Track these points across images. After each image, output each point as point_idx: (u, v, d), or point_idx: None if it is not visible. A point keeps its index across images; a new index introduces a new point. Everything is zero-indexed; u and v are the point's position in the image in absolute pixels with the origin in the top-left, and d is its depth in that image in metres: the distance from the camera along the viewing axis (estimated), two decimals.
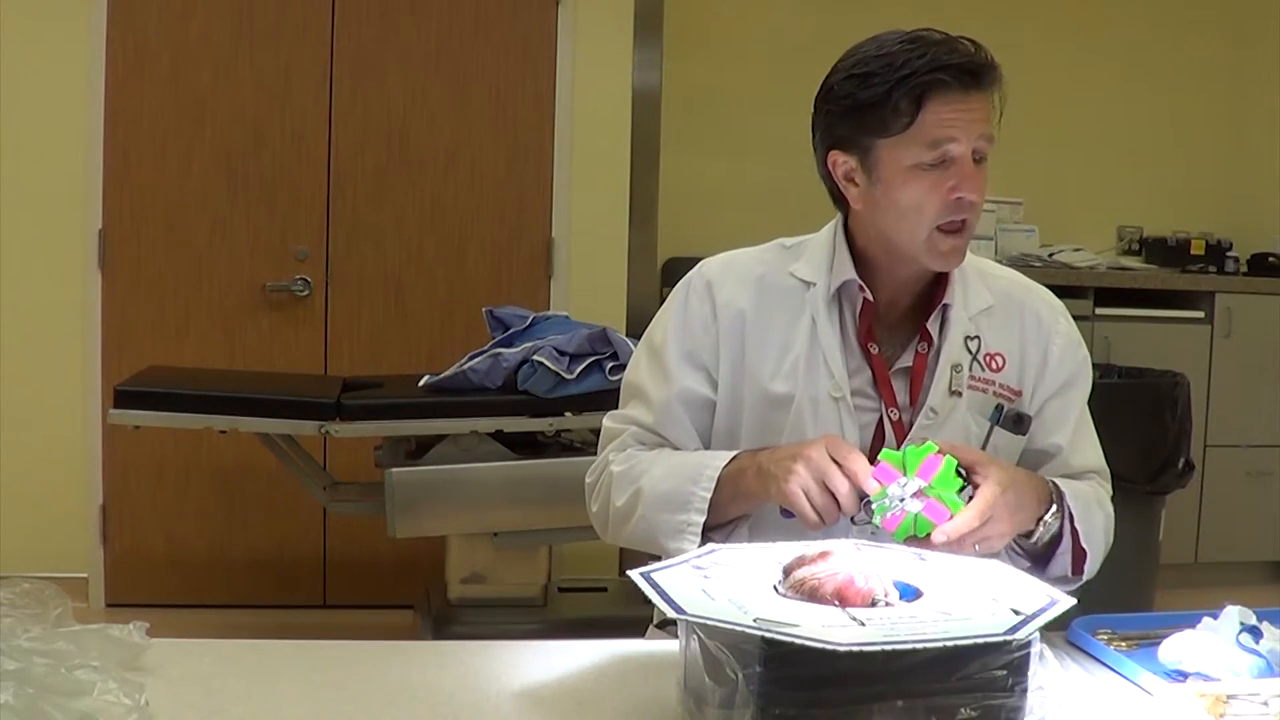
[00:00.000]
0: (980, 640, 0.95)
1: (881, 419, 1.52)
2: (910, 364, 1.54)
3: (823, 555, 1.11)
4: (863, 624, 0.98)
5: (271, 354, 3.92)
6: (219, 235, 3.90)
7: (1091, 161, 4.81)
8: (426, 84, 3.99)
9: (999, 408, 1.51)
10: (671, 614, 1.00)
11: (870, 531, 1.34)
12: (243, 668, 1.22)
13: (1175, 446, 3.58)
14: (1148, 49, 4.84)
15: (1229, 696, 1.13)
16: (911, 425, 1.51)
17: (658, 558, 1.21)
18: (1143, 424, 3.50)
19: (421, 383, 3.16)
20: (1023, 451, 1.57)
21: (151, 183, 3.85)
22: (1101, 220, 4.91)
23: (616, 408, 1.64)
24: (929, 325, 1.53)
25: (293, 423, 3.10)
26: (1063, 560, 1.46)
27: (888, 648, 0.93)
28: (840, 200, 1.55)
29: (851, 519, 1.31)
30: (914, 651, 0.93)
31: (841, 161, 1.50)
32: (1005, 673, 0.97)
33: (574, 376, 3.05)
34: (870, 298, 1.53)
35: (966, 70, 1.41)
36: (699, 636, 1.00)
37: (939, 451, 1.30)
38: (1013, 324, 1.57)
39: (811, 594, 1.04)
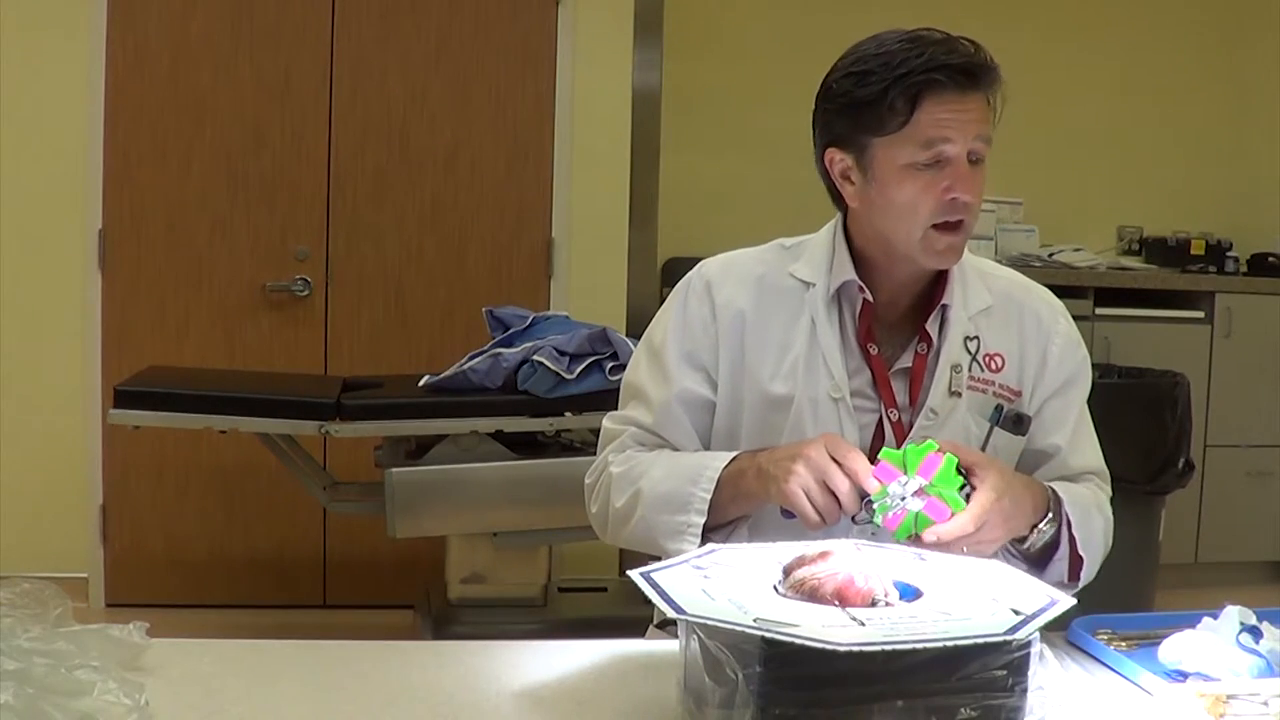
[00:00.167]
0: (980, 640, 0.95)
1: (881, 420, 1.52)
2: (910, 364, 1.53)
3: (823, 555, 1.11)
4: (863, 624, 0.98)
5: (271, 354, 3.92)
6: (219, 235, 3.90)
7: (1091, 161, 4.81)
8: (426, 84, 3.99)
9: (998, 408, 1.50)
10: (671, 614, 1.00)
11: (870, 532, 1.34)
12: (243, 668, 1.22)
13: (1175, 446, 3.58)
14: (1148, 49, 4.84)
15: (1229, 696, 1.13)
16: (911, 426, 1.51)
17: (658, 558, 1.21)
18: (1143, 424, 3.49)
19: (421, 383, 3.16)
20: (1022, 452, 1.57)
21: (151, 183, 3.85)
22: (1101, 220, 4.91)
23: (616, 408, 1.64)
24: (928, 326, 1.53)
25: (293, 423, 3.10)
26: (1059, 566, 1.46)
27: (888, 648, 0.93)
28: (838, 199, 1.55)
29: (852, 518, 1.31)
30: (914, 651, 0.93)
31: (838, 159, 1.51)
32: (1005, 673, 0.97)
33: (574, 376, 3.05)
34: (870, 298, 1.53)
35: (963, 71, 1.41)
36: (699, 636, 1.00)
37: (939, 450, 1.30)
38: (1012, 324, 1.57)
39: (811, 594, 1.04)
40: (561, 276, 4.06)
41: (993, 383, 1.54)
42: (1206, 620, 1.28)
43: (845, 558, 1.11)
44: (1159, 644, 1.26)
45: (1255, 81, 4.86)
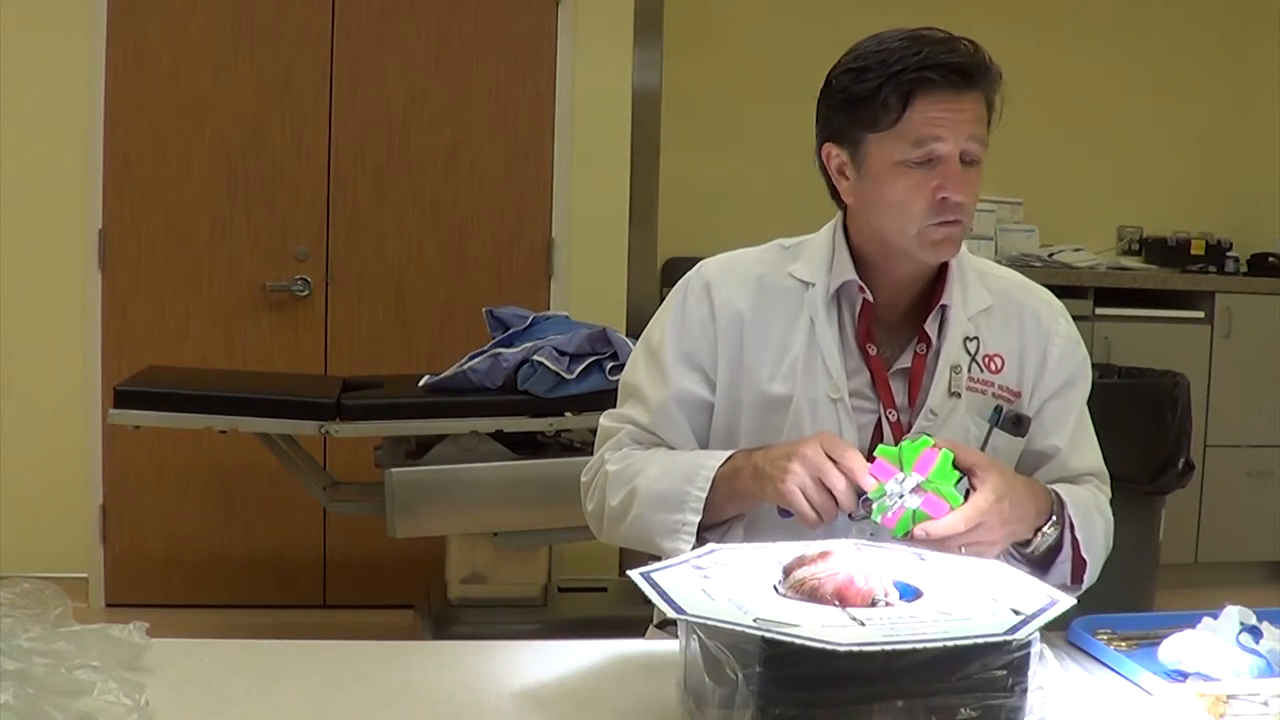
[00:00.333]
0: (980, 640, 0.95)
1: (880, 420, 1.52)
2: (909, 365, 1.53)
3: (823, 555, 1.11)
4: (863, 624, 0.98)
5: (271, 354, 3.92)
6: (219, 235, 3.90)
7: (1091, 161, 4.81)
8: (426, 84, 3.99)
9: (998, 409, 1.50)
10: (671, 614, 1.00)
11: (869, 531, 1.34)
12: (243, 668, 1.22)
13: (1175, 446, 3.58)
14: (1148, 49, 4.84)
15: (1229, 696, 1.13)
16: (910, 427, 1.51)
17: (656, 557, 1.21)
18: (1143, 424, 3.49)
19: (421, 383, 3.16)
20: (1021, 453, 1.57)
21: (151, 183, 3.85)
22: (1101, 220, 4.91)
23: (615, 408, 1.64)
24: (927, 326, 1.53)
25: (293, 423, 3.10)
26: (1062, 569, 1.45)
27: (888, 648, 0.93)
28: (837, 195, 1.55)
29: (849, 515, 1.31)
30: (914, 651, 0.93)
31: (835, 154, 1.51)
32: (1005, 673, 0.97)
33: (574, 376, 3.05)
34: (870, 298, 1.52)
35: (957, 70, 1.41)
36: (699, 636, 1.00)
37: (935, 445, 1.29)
38: (1012, 325, 1.57)
39: (811, 594, 1.04)
40: (561, 276, 4.06)
41: (992, 384, 1.53)
42: (1206, 620, 1.28)
43: (845, 558, 1.11)
44: (1159, 644, 1.26)
45: (1255, 81, 4.86)
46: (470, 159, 4.02)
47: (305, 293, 3.93)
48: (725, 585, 1.07)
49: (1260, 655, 1.20)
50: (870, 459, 1.31)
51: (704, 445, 1.57)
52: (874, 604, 1.03)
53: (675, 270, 3.35)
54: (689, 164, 4.35)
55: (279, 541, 3.93)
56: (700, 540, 1.45)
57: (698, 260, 1.64)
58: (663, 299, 1.66)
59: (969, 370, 1.52)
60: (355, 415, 3.09)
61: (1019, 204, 4.60)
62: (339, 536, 3.95)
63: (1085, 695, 1.20)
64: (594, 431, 1.67)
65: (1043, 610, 1.03)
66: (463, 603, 3.26)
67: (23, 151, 3.75)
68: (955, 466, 1.30)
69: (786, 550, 1.15)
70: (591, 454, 1.65)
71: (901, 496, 1.26)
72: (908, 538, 1.26)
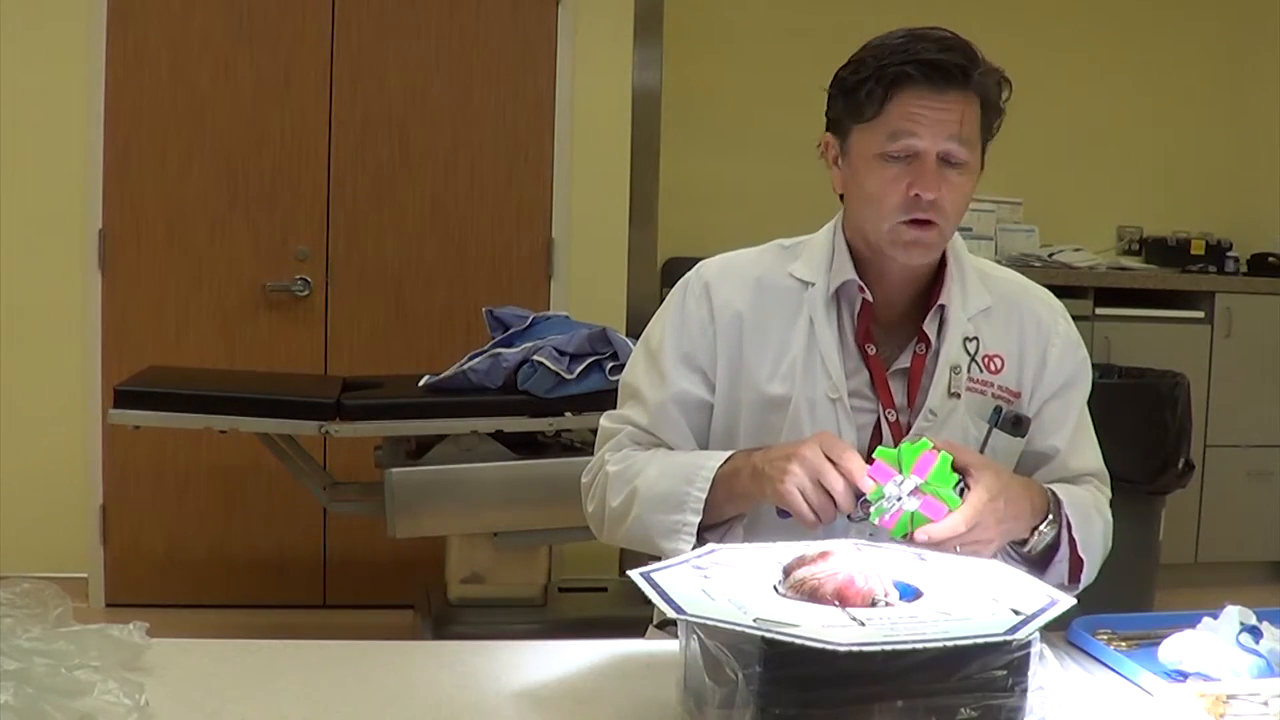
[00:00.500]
0: (980, 640, 0.95)
1: (879, 420, 1.52)
2: (908, 365, 1.53)
3: (823, 555, 1.11)
4: (863, 624, 0.98)
5: (271, 354, 3.92)
6: (219, 235, 3.90)
7: (1091, 161, 4.81)
8: (426, 84, 3.99)
9: (997, 409, 1.50)
10: (671, 614, 1.00)
11: (869, 531, 1.34)
12: (243, 668, 1.22)
13: (1175, 446, 3.58)
14: (1148, 50, 4.84)
15: (1229, 696, 1.13)
16: (909, 427, 1.51)
17: (656, 557, 1.21)
18: (1143, 424, 3.49)
19: (421, 383, 3.16)
20: (1021, 453, 1.56)
21: (151, 183, 3.85)
22: (1101, 220, 4.91)
23: (615, 408, 1.64)
24: (926, 326, 1.53)
25: (293, 423, 3.10)
26: (1060, 569, 1.45)
27: (888, 648, 0.93)
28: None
29: (849, 517, 1.31)
30: (914, 651, 0.93)
31: (831, 144, 1.53)
32: (1005, 673, 0.97)
33: (574, 376, 3.05)
34: (869, 298, 1.53)
35: (935, 67, 1.41)
36: (699, 636, 1.00)
37: (933, 448, 1.29)
38: (1012, 325, 1.57)
39: (811, 594, 1.04)
40: (561, 276, 4.06)
41: (991, 384, 1.53)
42: (1206, 620, 1.28)
43: (845, 558, 1.11)
44: (1159, 644, 1.26)
45: (1255, 82, 4.85)
46: (470, 159, 4.02)
47: (305, 293, 3.93)
48: (725, 585, 1.07)
49: (1260, 655, 1.20)
50: (869, 460, 1.31)
51: (703, 446, 1.57)
52: (874, 604, 1.03)
53: (675, 270, 3.35)
54: (689, 164, 4.35)
55: (279, 541, 3.93)
56: (700, 541, 1.45)
57: (698, 260, 1.64)
58: (663, 299, 1.66)
59: (968, 371, 1.52)
60: (355, 415, 3.09)
61: (1019, 204, 4.60)
62: (339, 536, 3.95)
63: (1085, 695, 1.20)
64: (594, 432, 1.67)
65: (1043, 610, 1.03)
66: (463, 603, 3.26)
67: (23, 151, 3.75)
68: (953, 468, 1.30)
69: (786, 550, 1.15)
70: (591, 454, 1.65)
71: (900, 499, 1.26)
72: (907, 539, 1.26)
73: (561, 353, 3.08)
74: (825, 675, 0.94)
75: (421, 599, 3.45)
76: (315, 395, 3.14)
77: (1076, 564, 1.46)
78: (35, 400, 3.80)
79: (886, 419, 1.51)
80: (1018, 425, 1.50)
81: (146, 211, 3.85)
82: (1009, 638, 0.96)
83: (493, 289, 3.99)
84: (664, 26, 4.12)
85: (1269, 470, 4.43)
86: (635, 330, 3.50)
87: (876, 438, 1.51)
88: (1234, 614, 1.25)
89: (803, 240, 1.62)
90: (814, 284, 1.55)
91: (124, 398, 3.03)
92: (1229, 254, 4.71)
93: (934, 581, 1.11)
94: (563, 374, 3.04)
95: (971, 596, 1.07)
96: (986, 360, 1.54)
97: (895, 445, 1.47)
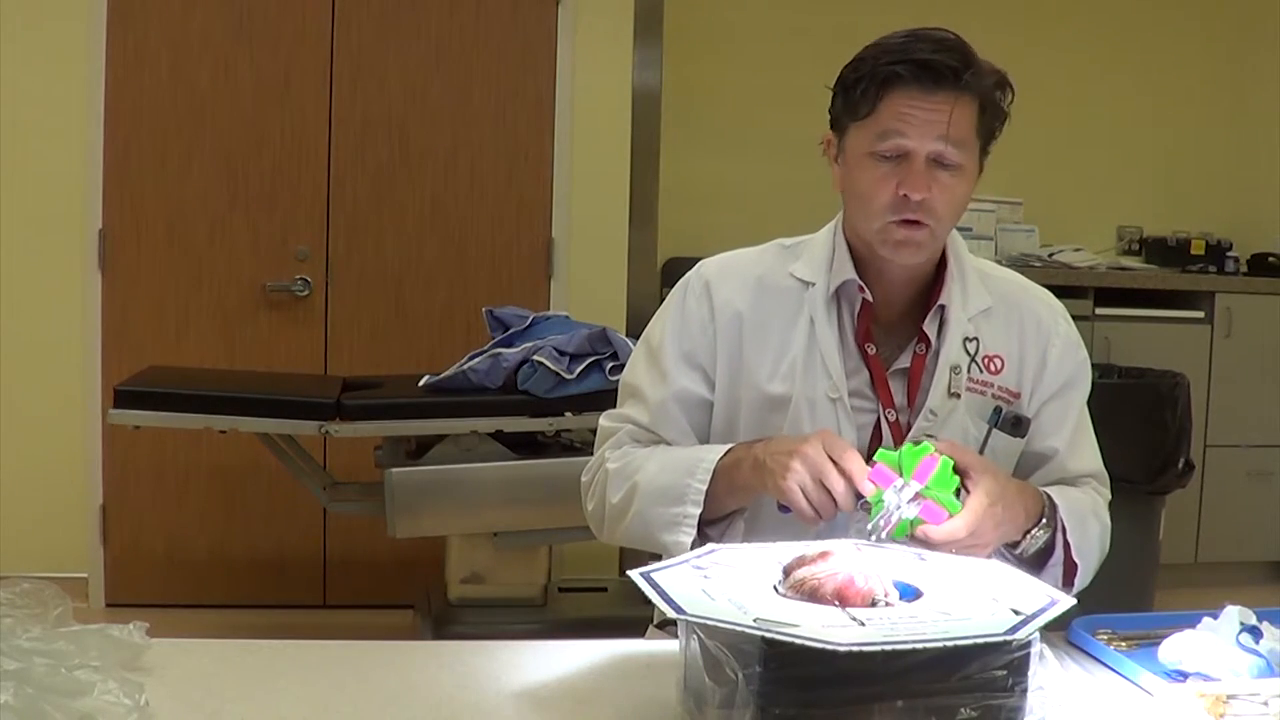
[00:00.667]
0: (980, 640, 0.95)
1: (879, 420, 1.52)
2: (908, 365, 1.53)
3: (823, 555, 1.11)
4: (863, 624, 0.98)
5: (271, 354, 3.92)
6: (219, 235, 3.90)
7: (1091, 161, 4.81)
8: (426, 84, 3.99)
9: (997, 410, 1.50)
10: (671, 614, 1.00)
11: (870, 532, 1.34)
12: (243, 668, 1.22)
13: (1175, 446, 3.58)
14: (1148, 50, 4.84)
15: (1229, 696, 1.13)
16: (909, 427, 1.51)
17: (657, 557, 1.21)
18: (1143, 424, 3.49)
19: (421, 383, 3.16)
20: (1020, 454, 1.56)
21: (151, 183, 3.85)
22: (1101, 220, 4.91)
23: (615, 408, 1.64)
24: (926, 326, 1.53)
25: (293, 423, 3.10)
26: (1054, 572, 1.45)
27: (888, 648, 0.93)
28: None
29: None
30: (914, 651, 0.93)
31: (831, 141, 1.54)
32: (1005, 673, 0.97)
33: (574, 376, 3.05)
34: (869, 298, 1.53)
35: (926, 67, 1.40)
36: (699, 636, 1.00)
37: (935, 452, 1.29)
38: (1012, 326, 1.57)
39: (811, 594, 1.04)
40: (561, 276, 4.06)
41: (991, 384, 1.53)
42: (1206, 620, 1.28)
43: (845, 558, 1.11)
44: (1159, 644, 1.26)
45: (1256, 82, 4.85)
46: (470, 159, 4.02)
47: (305, 293, 3.93)
48: (725, 585, 1.07)
49: (1260, 655, 1.20)
50: (870, 462, 1.31)
51: (703, 444, 1.57)
52: (874, 604, 1.03)
53: (675, 270, 3.35)
54: (689, 164, 4.35)
55: (279, 541, 3.93)
56: (702, 536, 1.45)
57: (698, 260, 1.64)
58: (663, 299, 1.66)
59: (968, 371, 1.52)
60: (355, 415, 3.09)
61: (1019, 204, 4.60)
62: (339, 536, 3.95)
63: (1085, 695, 1.20)
64: (594, 431, 1.67)
65: (1043, 610, 1.03)
66: (463, 603, 3.26)
67: (23, 151, 3.75)
68: (955, 471, 1.30)
69: (786, 550, 1.15)
70: (591, 454, 1.65)
71: (899, 508, 1.26)
72: (912, 539, 1.26)
73: (561, 353, 3.08)
74: (825, 675, 0.94)
75: (421, 599, 3.45)
76: (315, 395, 3.14)
77: (1070, 568, 1.46)
78: (35, 400, 3.80)
79: (886, 419, 1.51)
80: (1017, 426, 1.50)
81: (146, 211, 3.85)
82: (1009, 638, 0.96)
83: (493, 289, 3.99)
84: (664, 26, 4.12)
85: (1269, 470, 4.43)
86: (635, 330, 3.51)
87: (876, 437, 1.51)
88: (1234, 614, 1.25)
89: (803, 240, 1.62)
90: (814, 284, 1.55)
91: (124, 398, 3.03)
92: (1229, 254, 4.70)
93: (934, 581, 1.11)
94: (563, 374, 3.04)
95: (971, 596, 1.07)
96: (986, 361, 1.54)
97: (895, 445, 1.47)
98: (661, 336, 1.59)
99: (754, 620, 0.96)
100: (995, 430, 1.49)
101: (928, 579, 1.12)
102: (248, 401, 3.07)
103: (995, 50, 1.47)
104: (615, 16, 4.02)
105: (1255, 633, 1.23)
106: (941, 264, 1.55)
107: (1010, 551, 1.43)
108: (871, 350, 1.53)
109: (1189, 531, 4.33)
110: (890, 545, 1.25)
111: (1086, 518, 1.49)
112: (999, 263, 1.73)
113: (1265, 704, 1.13)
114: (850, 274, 1.53)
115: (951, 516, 1.27)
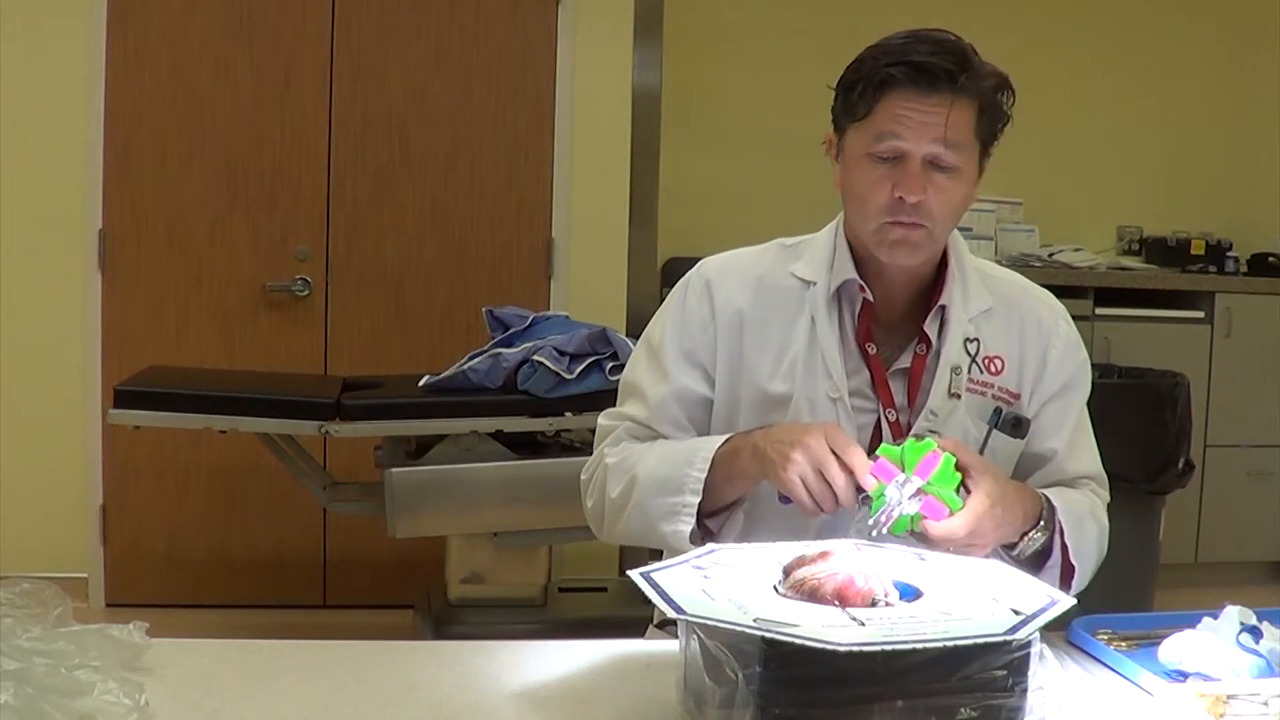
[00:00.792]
0: (980, 640, 0.95)
1: (879, 420, 1.52)
2: (908, 365, 1.53)
3: (823, 555, 1.11)
4: (863, 624, 0.98)
5: (271, 354, 3.92)
6: (219, 235, 3.90)
7: (1091, 161, 4.81)
8: (426, 84, 3.99)
9: (997, 411, 1.50)
10: (671, 614, 1.00)
11: (871, 531, 1.34)
12: (243, 668, 1.22)
13: (1175, 446, 3.58)
14: (1148, 49, 4.84)
15: (1229, 696, 1.13)
16: (909, 427, 1.51)
17: (657, 555, 1.21)
18: (1143, 424, 3.49)
19: (421, 383, 3.16)
20: (1020, 455, 1.56)
21: (151, 183, 3.85)
22: (1101, 220, 4.91)
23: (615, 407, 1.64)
24: (926, 327, 1.53)
25: (293, 423, 3.10)
26: (1051, 574, 1.45)
27: (888, 648, 0.93)
28: None
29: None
30: (914, 651, 0.93)
31: (832, 141, 1.54)
32: (1005, 673, 0.97)
33: (574, 376, 3.05)
34: (870, 297, 1.53)
35: (922, 69, 1.40)
36: (699, 636, 1.00)
37: (937, 449, 1.29)
38: (1012, 326, 1.57)
39: (811, 594, 1.04)
40: (561, 276, 4.06)
41: (992, 385, 1.53)
42: (1206, 620, 1.28)
43: (845, 558, 1.11)
44: (1159, 644, 1.26)
45: (1256, 82, 4.86)
46: (470, 159, 4.02)
47: (305, 293, 3.93)
48: (725, 585, 1.07)
49: (1260, 655, 1.20)
50: (872, 456, 1.31)
51: None
52: (874, 604, 1.03)
53: (675, 270, 3.35)
54: (689, 164, 4.35)
55: (279, 541, 3.93)
56: (701, 527, 1.45)
57: (698, 260, 1.64)
58: (663, 299, 1.66)
59: (969, 371, 1.52)
60: (355, 415, 3.10)
61: (1019, 204, 4.60)
62: (339, 536, 3.95)
63: (1085, 695, 1.20)
64: (594, 431, 1.67)
65: (1043, 610, 1.03)
66: (463, 603, 3.26)
67: (23, 151, 3.75)
68: (956, 468, 1.30)
69: (786, 550, 1.15)
70: (591, 454, 1.65)
71: (900, 504, 1.26)
72: (912, 535, 1.26)
73: (561, 353, 3.08)
74: (825, 675, 0.94)
75: (421, 599, 3.45)
76: (315, 395, 3.14)
77: (1068, 570, 1.46)
78: (35, 400, 3.80)
79: (886, 419, 1.51)
80: (1017, 427, 1.50)
81: (146, 211, 3.85)
82: (1009, 638, 0.96)
83: (493, 289, 3.99)
84: (664, 26, 4.12)
85: (1269, 470, 4.43)
86: (635, 330, 3.51)
87: (876, 437, 1.51)
88: (1234, 614, 1.25)
89: (804, 240, 1.62)
90: (815, 283, 1.55)
91: (124, 398, 3.03)
92: (1229, 254, 4.70)
93: (934, 581, 1.11)
94: (563, 374, 3.04)
95: (971, 596, 1.07)
96: (987, 361, 1.54)
97: (896, 444, 1.47)
98: (662, 335, 1.59)
99: (754, 620, 0.96)
100: (995, 431, 1.49)
101: (928, 579, 1.12)
102: (248, 401, 3.07)
103: (996, 50, 1.47)
104: (615, 16, 4.02)
105: (1255, 633, 1.23)
106: (942, 264, 1.55)
107: (1007, 553, 1.43)
108: (872, 350, 1.53)
109: (1189, 531, 4.33)
110: (889, 541, 1.25)
111: (1084, 520, 1.49)
112: (999, 263, 1.73)
113: (1265, 704, 1.13)
114: (851, 274, 1.53)
115: (952, 513, 1.27)
